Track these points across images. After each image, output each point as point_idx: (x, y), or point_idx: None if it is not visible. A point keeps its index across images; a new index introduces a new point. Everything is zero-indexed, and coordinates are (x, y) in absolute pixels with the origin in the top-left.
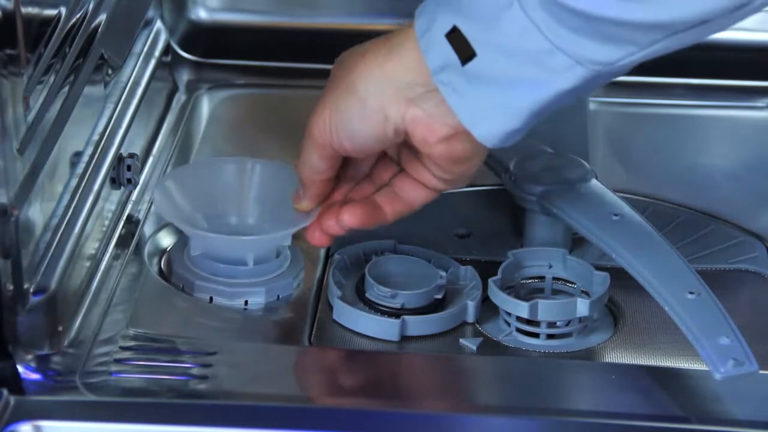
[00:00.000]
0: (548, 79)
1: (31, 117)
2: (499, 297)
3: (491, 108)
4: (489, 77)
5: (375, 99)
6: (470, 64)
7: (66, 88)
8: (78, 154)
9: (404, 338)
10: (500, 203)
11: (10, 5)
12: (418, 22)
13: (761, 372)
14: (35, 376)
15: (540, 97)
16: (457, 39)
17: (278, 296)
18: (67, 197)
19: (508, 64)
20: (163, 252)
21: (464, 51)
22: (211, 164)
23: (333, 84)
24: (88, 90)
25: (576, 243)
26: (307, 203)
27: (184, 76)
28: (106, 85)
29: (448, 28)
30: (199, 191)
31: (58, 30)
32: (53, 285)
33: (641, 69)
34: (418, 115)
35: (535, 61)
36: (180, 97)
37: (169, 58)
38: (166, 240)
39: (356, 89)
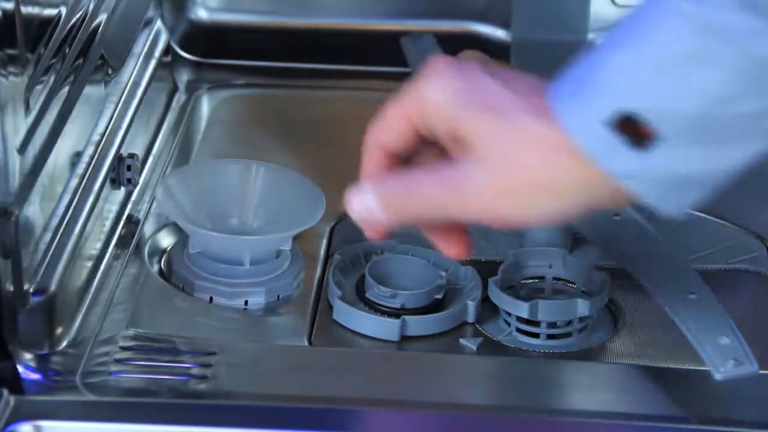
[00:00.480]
0: (760, 143)
1: (31, 117)
2: (499, 297)
3: (681, 186)
4: (680, 156)
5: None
6: (654, 149)
7: (66, 88)
8: (78, 154)
9: (404, 338)
10: None
11: (10, 5)
12: (566, 111)
13: (761, 372)
14: (35, 376)
15: (743, 163)
16: (626, 124)
17: (278, 296)
18: (67, 197)
19: (706, 136)
20: (163, 252)
21: (641, 135)
22: (215, 165)
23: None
24: (88, 90)
25: (576, 243)
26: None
27: (184, 76)
28: (106, 85)
29: (611, 114)
30: (202, 191)
31: (58, 30)
32: (53, 285)
33: None
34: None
35: (746, 125)
36: (180, 97)
37: (169, 58)
38: (166, 240)
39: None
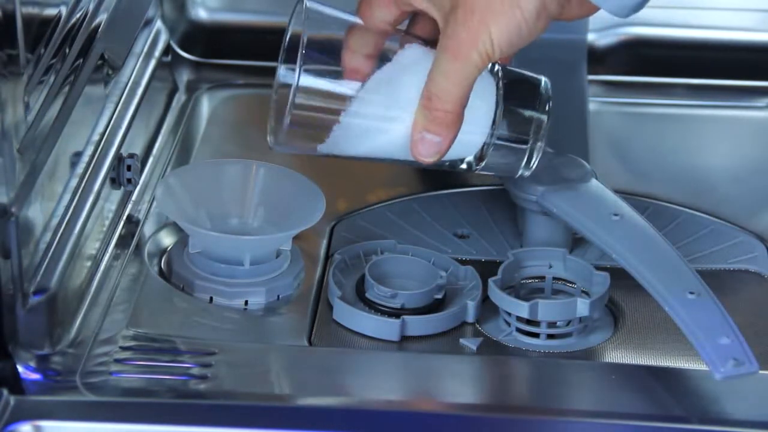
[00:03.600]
0: None
1: (31, 117)
2: (499, 297)
3: None
4: None
5: None
6: None
7: (66, 88)
8: (78, 154)
9: (404, 338)
10: (500, 203)
11: (10, 5)
12: None
13: (761, 372)
14: (35, 376)
15: None
16: None
17: (278, 296)
18: (67, 197)
19: None
20: (163, 252)
21: None
22: (215, 165)
23: None
24: (88, 90)
25: (576, 243)
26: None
27: (184, 76)
28: (106, 85)
29: None
30: (202, 191)
31: (58, 30)
32: (53, 285)
33: (641, 69)
34: None
35: None
36: (180, 97)
37: (169, 58)
38: (166, 240)
39: None
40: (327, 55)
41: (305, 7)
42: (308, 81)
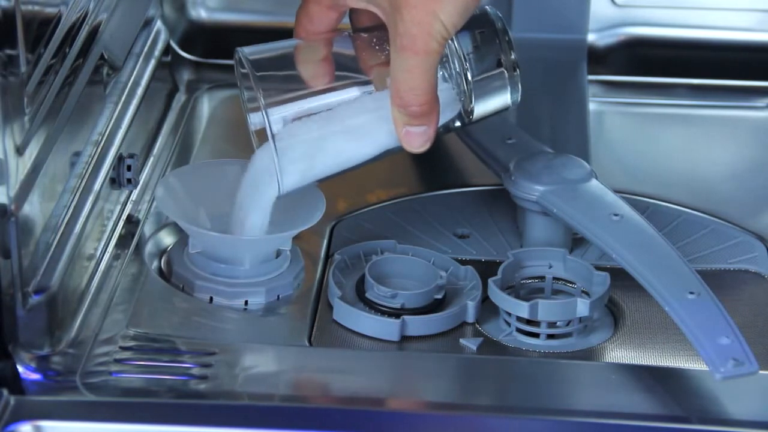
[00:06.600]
0: None
1: (31, 117)
2: (499, 297)
3: None
4: None
5: None
6: None
7: (66, 89)
8: (78, 154)
9: (404, 338)
10: (500, 203)
11: (10, 5)
12: None
13: (761, 372)
14: (35, 376)
15: None
16: None
17: (278, 296)
18: (67, 197)
19: None
20: (163, 252)
21: None
22: (215, 165)
23: None
24: (88, 90)
25: (576, 243)
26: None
27: (184, 76)
28: (106, 85)
29: None
30: (202, 191)
31: (58, 30)
32: (53, 285)
33: (641, 69)
34: None
35: None
36: (180, 97)
37: (169, 58)
38: (166, 240)
39: None
40: (283, 82)
41: (243, 55)
42: (279, 115)
